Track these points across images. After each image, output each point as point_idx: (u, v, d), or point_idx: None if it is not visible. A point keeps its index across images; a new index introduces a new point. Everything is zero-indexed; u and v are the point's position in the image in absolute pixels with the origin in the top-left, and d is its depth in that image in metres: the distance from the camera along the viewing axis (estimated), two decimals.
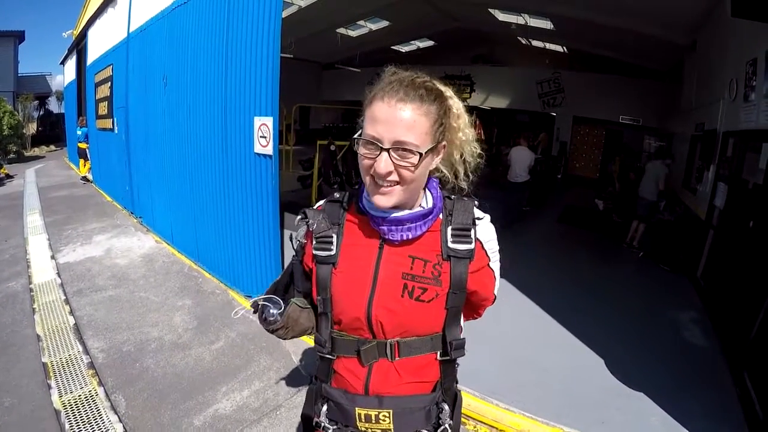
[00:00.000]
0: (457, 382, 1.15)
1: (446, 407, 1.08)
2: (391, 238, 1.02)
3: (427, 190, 1.07)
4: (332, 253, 1.05)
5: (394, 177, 0.94)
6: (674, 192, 7.06)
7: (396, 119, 0.91)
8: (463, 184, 1.13)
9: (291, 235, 1.16)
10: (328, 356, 1.09)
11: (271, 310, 1.16)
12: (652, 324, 4.22)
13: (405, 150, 0.91)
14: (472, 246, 1.03)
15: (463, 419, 2.70)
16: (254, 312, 1.21)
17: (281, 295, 1.20)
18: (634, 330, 4.04)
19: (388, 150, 0.91)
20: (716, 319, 4.25)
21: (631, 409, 2.89)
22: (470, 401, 2.85)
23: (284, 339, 1.20)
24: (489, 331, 3.30)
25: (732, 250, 4.31)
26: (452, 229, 1.03)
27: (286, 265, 1.25)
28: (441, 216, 1.06)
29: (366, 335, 1.04)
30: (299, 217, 1.11)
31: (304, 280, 1.18)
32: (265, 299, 1.18)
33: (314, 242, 1.07)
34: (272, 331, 1.17)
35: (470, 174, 1.14)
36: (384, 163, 0.91)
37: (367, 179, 0.97)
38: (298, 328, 1.16)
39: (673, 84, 10.07)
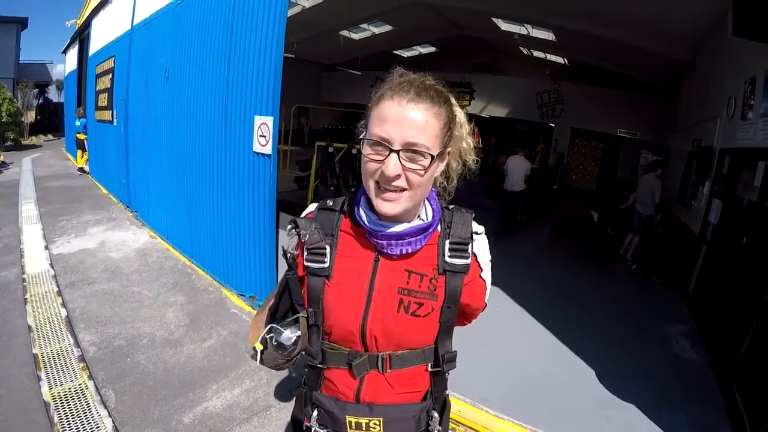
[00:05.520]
0: (446, 389, 1.15)
1: (436, 414, 1.07)
2: (390, 252, 0.99)
3: (427, 200, 1.04)
4: (325, 265, 1.01)
5: (402, 182, 0.90)
6: (667, 204, 7.11)
7: (407, 119, 0.87)
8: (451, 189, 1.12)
9: (283, 248, 1.09)
10: (318, 366, 1.06)
11: (287, 336, 1.05)
12: (643, 336, 4.25)
13: (415, 152, 0.88)
14: (468, 261, 1.02)
15: (453, 425, 2.72)
16: (263, 350, 1.07)
17: (270, 321, 1.09)
18: (625, 342, 4.06)
19: (397, 152, 0.88)
20: (707, 334, 4.28)
21: (620, 420, 2.91)
22: (461, 407, 2.85)
23: (288, 366, 1.09)
24: (481, 340, 3.31)
25: (724, 266, 4.35)
26: (450, 243, 1.01)
27: (280, 277, 1.15)
28: (439, 228, 1.03)
29: (358, 348, 1.01)
30: (290, 227, 1.04)
31: (300, 291, 1.09)
32: (269, 331, 1.07)
33: (306, 253, 1.03)
34: (288, 361, 1.06)
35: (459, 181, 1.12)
36: (393, 166, 0.87)
37: (370, 183, 0.92)
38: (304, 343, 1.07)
39: (671, 99, 10.17)
